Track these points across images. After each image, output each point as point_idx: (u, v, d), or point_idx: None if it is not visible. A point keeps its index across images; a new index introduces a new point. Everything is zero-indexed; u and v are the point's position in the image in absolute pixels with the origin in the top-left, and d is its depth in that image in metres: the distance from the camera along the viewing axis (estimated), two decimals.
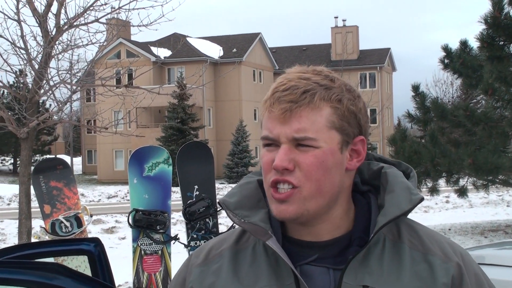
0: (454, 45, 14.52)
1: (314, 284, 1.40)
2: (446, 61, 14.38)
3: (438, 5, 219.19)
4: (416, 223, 1.52)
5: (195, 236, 5.67)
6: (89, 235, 8.97)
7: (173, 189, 20.20)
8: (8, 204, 25.93)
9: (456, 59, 14.01)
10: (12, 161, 53.33)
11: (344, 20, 58.40)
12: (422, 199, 1.46)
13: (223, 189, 28.17)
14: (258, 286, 1.43)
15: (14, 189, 27.63)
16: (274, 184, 1.41)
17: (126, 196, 27.95)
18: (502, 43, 12.36)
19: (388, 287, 1.39)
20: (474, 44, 13.23)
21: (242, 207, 1.48)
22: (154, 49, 44.15)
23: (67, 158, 52.26)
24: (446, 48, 14.36)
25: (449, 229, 14.71)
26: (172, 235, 5.80)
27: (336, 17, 58.34)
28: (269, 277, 1.43)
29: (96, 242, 3.05)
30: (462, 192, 14.34)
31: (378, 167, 1.54)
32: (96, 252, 2.99)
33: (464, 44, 14.33)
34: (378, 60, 55.59)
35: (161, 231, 5.61)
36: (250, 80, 50.23)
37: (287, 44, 61.40)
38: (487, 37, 12.18)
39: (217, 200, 1.59)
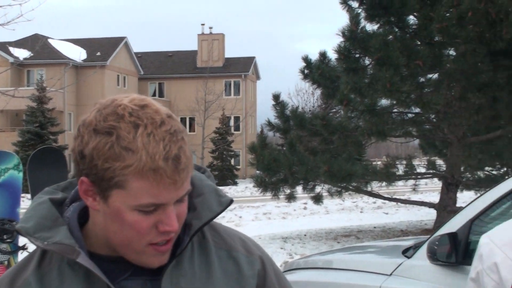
0: (316, 56, 14.91)
1: None
2: (306, 71, 14.76)
3: (303, 17, 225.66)
4: (214, 222, 1.53)
5: None
6: None
7: (26, 195, 19.41)
8: None
9: (315, 70, 14.41)
10: None
11: (210, 28, 58.69)
12: (231, 201, 1.48)
13: None
14: None
15: None
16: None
17: None
18: (358, 55, 12.87)
19: (202, 286, 1.41)
20: (333, 55, 13.67)
21: (41, 229, 1.39)
22: (12, 50, 42.34)
23: None
24: (306, 59, 14.75)
25: (305, 235, 15.09)
26: (20, 244, 5.56)
27: (203, 24, 58.46)
28: None
29: None
30: (317, 199, 14.80)
31: None
32: None
33: (323, 55, 14.77)
34: (243, 68, 56.31)
35: (8, 240, 5.37)
36: (113, 85, 49.34)
37: (154, 50, 60.87)
38: (344, 50, 12.64)
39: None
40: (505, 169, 15.16)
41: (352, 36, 12.36)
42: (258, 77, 60.79)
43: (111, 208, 1.31)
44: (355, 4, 12.70)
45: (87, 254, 1.37)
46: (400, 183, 16.35)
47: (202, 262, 1.44)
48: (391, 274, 4.42)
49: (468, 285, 1.29)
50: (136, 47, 60.93)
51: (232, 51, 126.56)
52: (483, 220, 4.00)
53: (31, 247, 5.70)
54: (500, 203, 3.97)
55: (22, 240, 6.71)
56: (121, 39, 51.92)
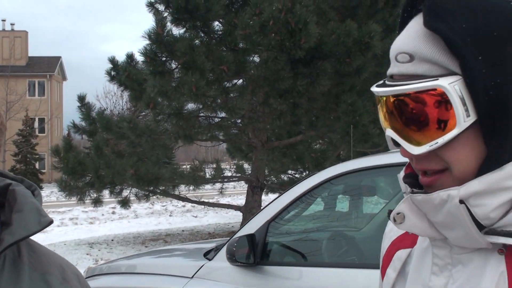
0: (124, 58, 14.69)
1: None
2: (112, 73, 14.53)
3: (112, 18, 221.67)
4: (36, 242, 1.52)
5: None
6: None
7: None
8: None
9: (122, 72, 14.20)
10: None
11: (12, 24, 55.97)
12: (51, 222, 1.46)
13: None
14: None
15: None
16: None
17: None
18: (164, 59, 12.85)
19: None
20: (140, 58, 13.53)
21: None
22: None
23: None
24: (113, 60, 14.52)
25: (112, 240, 14.84)
26: None
27: (3, 20, 55.61)
28: None
29: None
30: (124, 203, 14.64)
31: (4, 183, 1.49)
32: None
33: (130, 57, 14.57)
34: (48, 68, 54.29)
35: None
36: None
37: None
38: (150, 52, 12.53)
39: None
40: (306, 172, 15.94)
41: (158, 39, 12.30)
42: (64, 78, 58.91)
43: None
44: (161, 7, 12.70)
45: None
46: (209, 186, 16.62)
47: (11, 281, 1.39)
48: (192, 277, 4.48)
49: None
50: None
51: (36, 49, 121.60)
52: (279, 222, 4.18)
53: None
54: (293, 205, 4.17)
55: None
56: None
